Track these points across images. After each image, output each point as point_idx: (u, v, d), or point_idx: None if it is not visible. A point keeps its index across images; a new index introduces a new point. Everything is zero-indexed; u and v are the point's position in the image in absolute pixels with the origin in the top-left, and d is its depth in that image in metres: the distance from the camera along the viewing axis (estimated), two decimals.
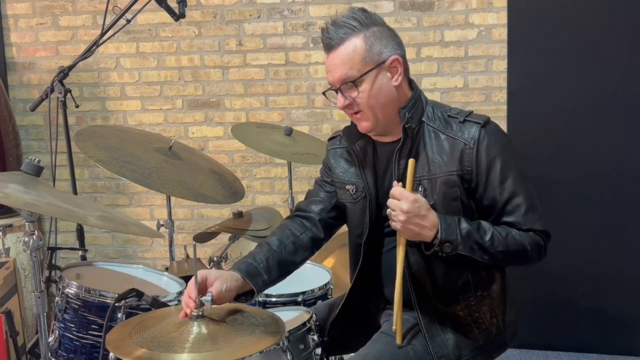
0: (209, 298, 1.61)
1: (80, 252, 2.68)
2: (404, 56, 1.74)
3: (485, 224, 1.69)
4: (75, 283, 1.98)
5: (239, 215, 2.64)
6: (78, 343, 1.96)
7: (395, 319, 1.71)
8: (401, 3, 3.30)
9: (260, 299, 2.17)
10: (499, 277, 1.82)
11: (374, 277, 1.87)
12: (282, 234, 1.88)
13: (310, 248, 1.90)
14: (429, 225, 1.62)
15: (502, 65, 3.25)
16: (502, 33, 3.24)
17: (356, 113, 1.74)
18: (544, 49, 3.10)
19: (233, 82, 3.50)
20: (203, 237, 2.69)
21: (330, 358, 2.08)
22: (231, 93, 3.51)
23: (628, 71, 3.03)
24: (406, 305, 1.73)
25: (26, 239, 1.66)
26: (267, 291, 2.17)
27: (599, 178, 3.11)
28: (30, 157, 1.76)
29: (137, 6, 2.63)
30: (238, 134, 2.84)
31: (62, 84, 2.60)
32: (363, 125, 1.76)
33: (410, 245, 1.71)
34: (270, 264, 1.79)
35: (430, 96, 1.83)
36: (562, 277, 3.15)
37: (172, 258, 2.70)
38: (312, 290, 2.23)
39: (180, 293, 2.08)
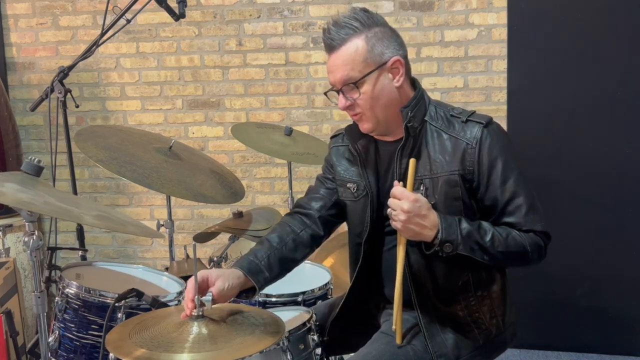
0: (209, 298, 1.61)
1: (80, 252, 2.68)
2: (405, 56, 1.73)
3: (485, 224, 1.69)
4: (75, 283, 1.98)
5: (239, 215, 2.64)
6: (78, 343, 1.96)
7: (395, 318, 1.71)
8: (401, 3, 3.30)
9: (260, 299, 2.17)
10: (499, 277, 1.82)
11: (374, 276, 1.87)
12: (282, 231, 1.88)
13: (310, 245, 1.90)
14: (429, 225, 1.63)
15: (502, 65, 3.25)
16: (502, 33, 3.24)
17: (357, 114, 1.74)
18: (544, 49, 3.10)
19: (233, 82, 3.50)
20: (203, 237, 2.69)
21: (330, 358, 2.08)
22: (231, 93, 3.51)
23: (628, 71, 3.03)
24: (406, 304, 1.73)
25: (26, 239, 1.66)
26: (267, 291, 2.18)
27: (599, 178, 3.11)
28: (30, 157, 1.76)
29: (137, 6, 2.63)
30: (238, 134, 2.84)
31: (62, 84, 2.60)
32: (364, 127, 1.76)
33: (410, 244, 1.71)
34: (271, 261, 1.80)
35: (430, 96, 1.83)
36: (562, 277, 3.15)
37: (172, 258, 2.70)
38: (312, 290, 2.23)
39: (180, 293, 2.08)
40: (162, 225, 2.61)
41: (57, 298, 2.01)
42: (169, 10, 2.62)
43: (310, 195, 1.96)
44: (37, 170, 1.75)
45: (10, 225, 3.02)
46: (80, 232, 2.78)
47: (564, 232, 3.06)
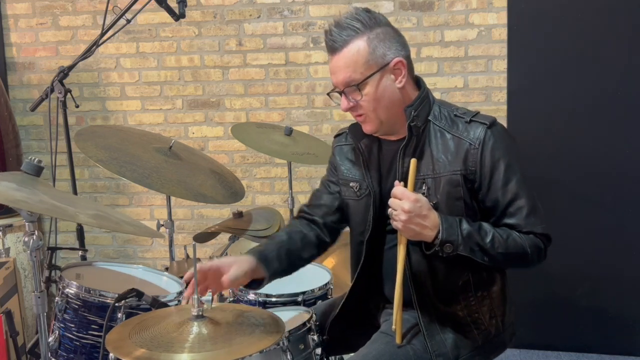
0: (209, 298, 1.62)
1: (80, 252, 2.68)
2: (408, 57, 1.73)
3: (486, 225, 1.69)
4: (75, 283, 1.98)
5: (239, 215, 2.64)
6: (78, 343, 1.96)
7: (395, 318, 1.71)
8: (401, 3, 3.30)
9: (260, 299, 2.17)
10: (499, 278, 1.82)
11: (374, 276, 1.87)
12: (291, 230, 1.92)
13: (317, 247, 1.93)
14: (430, 225, 1.63)
15: (502, 65, 3.25)
16: (502, 33, 3.24)
17: (360, 115, 1.74)
18: (544, 49, 3.10)
19: (233, 82, 3.50)
20: (203, 237, 2.69)
21: (330, 358, 2.09)
22: (231, 93, 3.51)
23: (628, 71, 3.03)
24: (406, 304, 1.74)
25: (26, 239, 1.66)
26: (267, 291, 2.18)
27: (599, 178, 3.11)
28: (30, 157, 1.76)
29: (137, 6, 2.63)
30: (238, 134, 2.84)
31: (62, 84, 2.60)
32: (367, 128, 1.76)
33: (411, 244, 1.71)
34: (281, 254, 1.83)
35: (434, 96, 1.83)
36: (562, 277, 3.15)
37: (172, 258, 2.70)
38: (312, 290, 2.23)
39: (180, 293, 2.08)
40: (162, 225, 2.61)
41: (57, 298, 2.01)
42: (169, 10, 2.62)
43: (314, 203, 1.97)
44: (37, 170, 1.75)
45: (10, 225, 3.02)
46: (80, 232, 2.78)
47: (564, 232, 3.05)
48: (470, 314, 1.77)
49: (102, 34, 2.59)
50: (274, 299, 2.17)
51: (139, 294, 1.90)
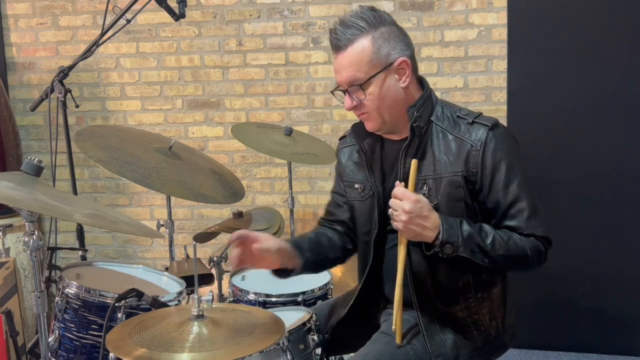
0: (210, 298, 1.62)
1: (80, 252, 2.68)
2: (412, 56, 1.73)
3: (487, 227, 1.69)
4: (75, 283, 1.98)
5: (239, 215, 2.64)
6: (78, 343, 1.96)
7: (395, 318, 1.71)
8: (401, 3, 3.30)
9: (260, 299, 2.18)
10: (500, 280, 1.82)
11: (375, 275, 1.87)
12: (317, 232, 1.95)
13: (342, 250, 1.95)
14: (430, 225, 1.62)
15: (502, 65, 3.25)
16: (502, 33, 3.23)
17: (364, 113, 1.74)
18: (544, 49, 3.10)
19: (233, 82, 3.50)
20: (203, 237, 2.69)
21: (330, 358, 2.09)
22: (231, 93, 3.51)
23: (628, 71, 3.03)
24: (406, 304, 1.74)
25: (26, 239, 1.66)
26: (267, 291, 2.19)
27: (599, 178, 3.11)
28: (30, 157, 1.76)
29: (137, 6, 2.63)
30: (238, 134, 2.84)
31: (62, 84, 2.60)
32: (370, 126, 1.77)
33: (412, 244, 1.72)
34: (312, 247, 1.87)
35: (437, 96, 1.83)
36: (562, 277, 3.15)
37: (172, 258, 2.70)
38: (312, 290, 2.24)
39: (180, 293, 2.08)
40: (162, 225, 2.61)
41: (57, 298, 2.01)
42: (169, 10, 2.62)
43: (329, 218, 2.01)
44: (37, 170, 1.74)
45: (10, 225, 3.02)
46: (80, 232, 2.78)
47: (564, 232, 3.05)
48: (471, 315, 1.77)
49: (102, 34, 2.59)
50: (274, 299, 2.18)
51: (139, 294, 1.89)
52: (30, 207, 1.58)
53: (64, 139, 2.71)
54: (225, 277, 2.44)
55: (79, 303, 1.96)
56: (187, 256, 2.65)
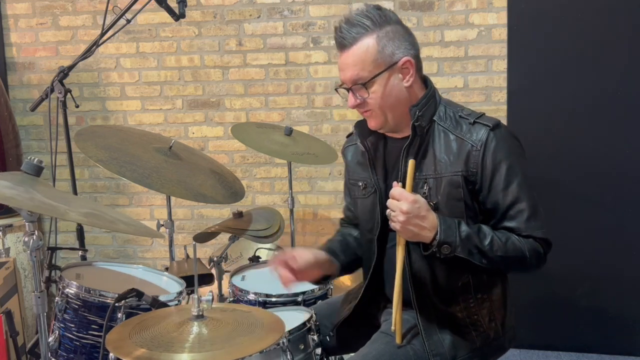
0: (210, 298, 1.62)
1: (80, 252, 2.68)
2: (417, 56, 1.74)
3: (485, 228, 1.68)
4: (75, 283, 1.98)
5: (239, 215, 2.64)
6: (78, 343, 1.96)
7: (395, 318, 1.71)
8: (401, 3, 3.30)
9: (260, 299, 2.17)
10: (500, 281, 1.81)
11: (377, 274, 1.87)
12: (342, 232, 2.00)
13: None
14: (428, 226, 1.62)
15: (502, 65, 3.25)
16: (502, 33, 3.23)
17: (367, 111, 1.75)
18: (544, 49, 3.10)
19: (233, 82, 3.50)
20: (203, 237, 2.69)
21: (330, 358, 2.09)
22: (231, 93, 3.51)
23: (628, 71, 3.03)
24: (405, 304, 1.74)
25: (26, 239, 1.65)
26: (267, 291, 2.19)
27: (599, 178, 3.11)
28: (30, 157, 1.76)
29: (137, 6, 2.63)
30: (238, 134, 2.84)
31: (62, 84, 2.60)
32: (372, 124, 1.77)
33: (412, 244, 1.71)
34: (343, 249, 1.92)
35: (441, 95, 1.83)
36: (562, 277, 3.15)
37: (172, 258, 2.70)
38: (312, 290, 2.23)
39: (180, 293, 2.08)
40: (162, 225, 2.60)
41: (57, 298, 2.01)
42: (169, 10, 2.62)
43: (347, 219, 2.06)
44: (37, 170, 1.74)
45: (10, 225, 3.02)
46: (80, 232, 2.78)
47: (564, 232, 3.05)
48: (470, 315, 1.77)
49: (102, 34, 2.59)
50: (274, 299, 2.18)
51: (139, 294, 1.90)
52: (24, 206, 1.57)
53: (64, 139, 2.71)
54: (225, 277, 2.44)
55: (79, 303, 1.96)
56: (187, 256, 2.65)
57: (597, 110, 3.08)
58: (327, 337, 1.93)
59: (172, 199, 2.66)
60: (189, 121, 3.56)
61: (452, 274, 1.75)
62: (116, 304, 1.89)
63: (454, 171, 1.70)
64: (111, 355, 1.69)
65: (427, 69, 3.34)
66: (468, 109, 1.78)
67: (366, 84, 1.69)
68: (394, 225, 1.64)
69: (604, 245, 3.13)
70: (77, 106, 2.76)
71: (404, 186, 1.65)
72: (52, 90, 2.60)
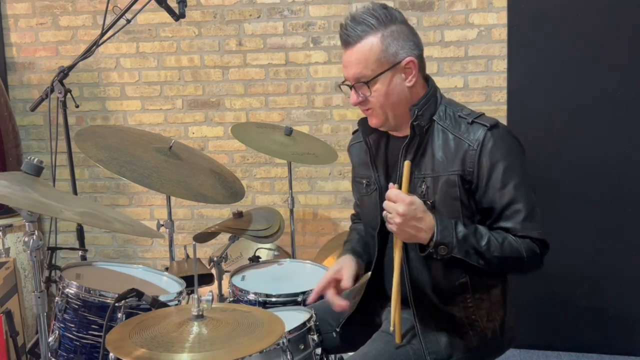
0: (210, 298, 1.62)
1: (80, 252, 2.68)
2: (420, 56, 1.74)
3: (482, 228, 1.68)
4: (75, 283, 1.98)
5: (239, 215, 2.64)
6: (78, 343, 1.96)
7: (393, 318, 1.71)
8: (401, 3, 3.30)
9: (260, 299, 2.17)
10: (500, 282, 1.81)
11: (378, 272, 1.87)
12: (358, 230, 2.03)
13: None
14: (425, 227, 1.62)
15: (502, 65, 3.25)
16: (502, 33, 3.23)
17: (368, 109, 1.76)
18: (544, 49, 3.10)
19: (233, 82, 3.50)
20: (203, 237, 2.69)
21: (330, 357, 2.09)
22: (231, 93, 3.51)
23: (628, 71, 3.03)
24: (403, 302, 1.74)
25: (26, 239, 1.66)
26: (267, 291, 2.19)
27: (599, 178, 3.11)
28: (30, 157, 1.76)
29: (137, 6, 2.63)
30: (238, 134, 2.84)
31: (62, 84, 2.60)
32: (372, 122, 1.78)
33: (410, 244, 1.71)
34: (364, 248, 1.93)
35: (443, 95, 1.83)
36: (562, 277, 3.15)
37: (172, 258, 2.70)
38: (312, 290, 2.23)
39: (180, 293, 2.08)
40: (162, 225, 2.60)
41: (57, 298, 2.01)
42: (169, 10, 2.62)
43: (358, 217, 2.08)
44: (37, 170, 1.74)
45: (10, 225, 3.02)
46: (80, 232, 2.78)
47: (564, 232, 3.06)
48: (468, 315, 1.77)
49: (102, 34, 2.59)
50: (274, 299, 2.17)
51: (139, 294, 1.89)
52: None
53: (64, 139, 2.71)
54: (225, 277, 2.44)
55: (79, 303, 1.96)
56: (187, 256, 2.65)
57: (597, 110, 3.08)
58: (334, 333, 1.94)
59: (172, 199, 2.66)
60: (189, 121, 3.56)
61: (450, 274, 1.75)
62: (116, 304, 1.89)
63: (450, 170, 1.70)
64: (111, 355, 1.69)
65: (427, 69, 3.34)
66: (468, 109, 1.78)
67: (369, 83, 1.69)
68: (390, 227, 1.64)
69: (604, 245, 3.13)
70: (77, 106, 2.76)
71: (400, 187, 1.65)
72: (52, 90, 2.60)
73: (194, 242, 1.86)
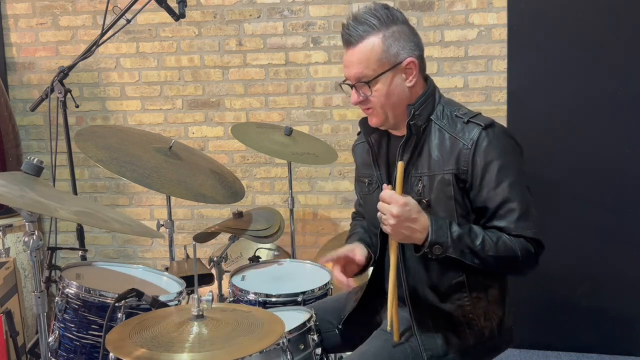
0: (210, 298, 1.62)
1: (80, 252, 2.68)
2: (421, 56, 1.75)
3: (476, 228, 1.68)
4: (75, 283, 1.98)
5: (239, 215, 2.64)
6: (78, 343, 1.96)
7: (390, 317, 1.71)
8: (401, 3, 3.30)
9: (260, 299, 2.17)
10: (497, 281, 1.81)
11: (379, 270, 1.88)
12: (361, 224, 2.02)
13: None
14: (419, 228, 1.62)
15: (502, 65, 3.25)
16: (502, 33, 3.23)
17: (368, 109, 1.76)
18: (544, 49, 3.10)
19: (233, 82, 3.50)
20: (203, 237, 2.69)
21: (330, 357, 2.09)
22: (231, 93, 3.51)
23: (628, 71, 3.03)
24: (401, 300, 1.75)
25: (26, 239, 1.66)
26: (267, 291, 2.19)
27: (599, 178, 3.11)
28: (30, 157, 1.76)
29: (137, 6, 2.63)
30: (238, 134, 2.84)
31: (62, 84, 2.60)
32: (372, 121, 1.79)
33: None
34: (370, 240, 1.93)
35: (442, 94, 1.83)
36: (562, 277, 3.15)
37: (172, 258, 2.70)
38: (312, 290, 2.23)
39: (180, 293, 2.08)
40: (162, 225, 2.60)
41: (57, 298, 2.01)
42: (169, 10, 2.62)
43: (360, 215, 2.09)
44: (37, 170, 1.74)
45: (10, 225, 3.02)
46: (80, 232, 2.78)
47: (563, 231, 3.06)
48: (465, 314, 1.77)
49: (102, 34, 2.59)
50: (274, 299, 2.18)
51: (139, 294, 1.89)
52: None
53: (64, 139, 2.71)
54: (225, 277, 2.44)
55: (79, 303, 1.96)
56: (187, 256, 2.65)
57: (597, 110, 3.08)
58: (336, 330, 1.94)
59: (172, 199, 2.66)
60: (189, 121, 3.56)
61: (446, 273, 1.75)
62: (116, 304, 1.89)
63: (445, 169, 1.71)
64: (111, 355, 1.69)
65: (427, 69, 3.34)
66: (466, 108, 1.79)
67: (370, 82, 1.70)
68: (385, 228, 1.64)
69: (604, 245, 3.13)
70: (77, 106, 2.76)
71: (394, 188, 1.64)
72: (52, 90, 2.60)
73: (194, 242, 1.86)
